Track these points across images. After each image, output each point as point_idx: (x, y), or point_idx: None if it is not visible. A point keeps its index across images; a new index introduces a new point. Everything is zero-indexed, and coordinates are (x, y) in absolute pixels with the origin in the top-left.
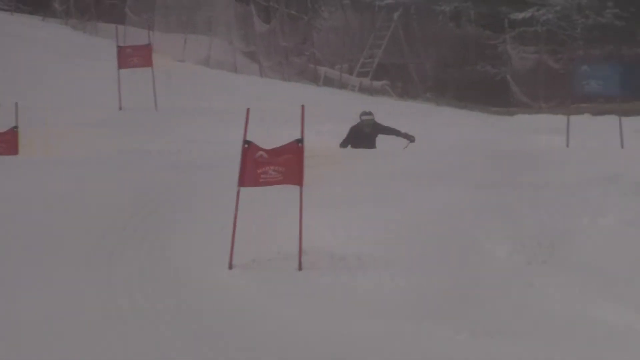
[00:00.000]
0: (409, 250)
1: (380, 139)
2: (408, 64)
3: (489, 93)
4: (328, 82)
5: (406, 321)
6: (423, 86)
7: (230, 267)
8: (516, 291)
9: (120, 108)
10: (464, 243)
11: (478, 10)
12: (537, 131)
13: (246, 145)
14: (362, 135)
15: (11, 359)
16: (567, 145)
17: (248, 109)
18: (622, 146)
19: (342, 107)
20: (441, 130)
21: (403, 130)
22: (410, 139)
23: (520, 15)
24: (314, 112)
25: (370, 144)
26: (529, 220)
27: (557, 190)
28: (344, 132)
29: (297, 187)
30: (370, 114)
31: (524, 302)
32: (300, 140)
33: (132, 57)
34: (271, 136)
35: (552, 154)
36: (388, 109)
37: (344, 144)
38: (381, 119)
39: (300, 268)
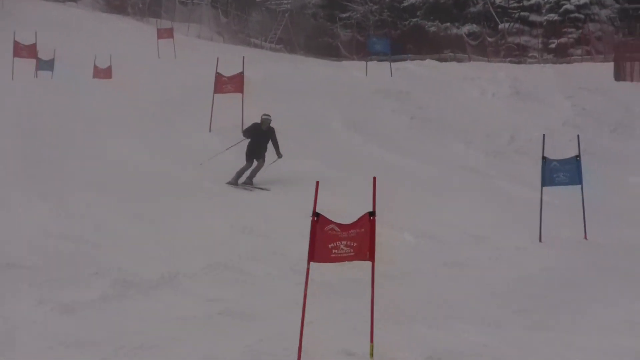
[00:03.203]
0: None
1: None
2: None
3: (329, 52)
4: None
5: None
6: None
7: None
8: None
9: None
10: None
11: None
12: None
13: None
14: (260, 131)
15: None
16: (366, 75)
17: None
18: (391, 75)
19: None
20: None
21: (280, 148)
22: (279, 155)
23: (344, 15)
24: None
25: (264, 141)
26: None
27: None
28: None
29: None
30: (268, 115)
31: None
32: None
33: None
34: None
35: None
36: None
37: (245, 134)
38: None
39: None
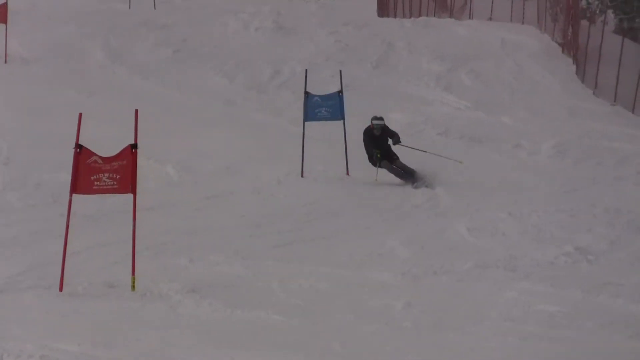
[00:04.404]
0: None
1: None
2: None
3: None
4: None
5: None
6: None
7: None
8: None
9: None
10: None
11: None
12: None
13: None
14: (374, 137)
15: None
16: (129, 7)
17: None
18: (155, 8)
19: None
20: None
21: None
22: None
23: None
24: None
25: (385, 142)
26: None
27: None
28: None
29: None
30: (380, 119)
31: None
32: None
33: None
34: None
35: (120, 12)
36: None
37: (368, 149)
38: None
39: None
